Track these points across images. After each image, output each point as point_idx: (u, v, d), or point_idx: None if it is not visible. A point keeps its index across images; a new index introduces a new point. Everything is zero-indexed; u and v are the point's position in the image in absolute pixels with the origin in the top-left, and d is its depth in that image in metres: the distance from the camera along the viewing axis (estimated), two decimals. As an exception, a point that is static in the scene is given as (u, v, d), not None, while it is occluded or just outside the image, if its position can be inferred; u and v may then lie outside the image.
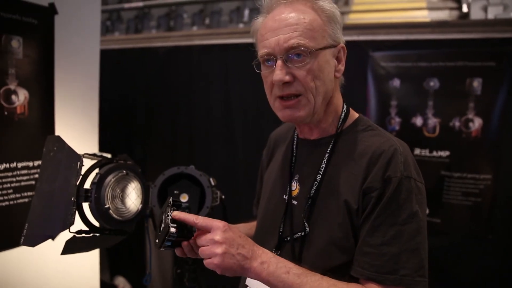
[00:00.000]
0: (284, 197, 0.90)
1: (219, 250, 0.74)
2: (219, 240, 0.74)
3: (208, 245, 0.76)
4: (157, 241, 0.82)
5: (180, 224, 0.78)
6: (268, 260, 0.76)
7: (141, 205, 1.22)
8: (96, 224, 1.15)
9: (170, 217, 0.79)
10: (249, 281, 0.93)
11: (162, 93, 2.28)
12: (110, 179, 1.15)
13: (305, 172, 0.90)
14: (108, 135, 2.12)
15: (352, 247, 0.80)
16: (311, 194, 0.86)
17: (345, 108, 0.92)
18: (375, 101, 1.87)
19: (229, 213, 1.25)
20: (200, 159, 2.13)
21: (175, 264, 1.42)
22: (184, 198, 1.29)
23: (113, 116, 2.24)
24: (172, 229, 0.77)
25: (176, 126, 2.27)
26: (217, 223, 0.76)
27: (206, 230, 0.77)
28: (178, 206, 0.84)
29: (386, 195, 0.77)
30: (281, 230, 0.88)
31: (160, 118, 2.29)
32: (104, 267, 2.09)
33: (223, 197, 1.33)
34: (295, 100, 0.86)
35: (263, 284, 0.81)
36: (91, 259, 1.79)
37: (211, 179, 1.27)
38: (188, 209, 0.85)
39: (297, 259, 0.83)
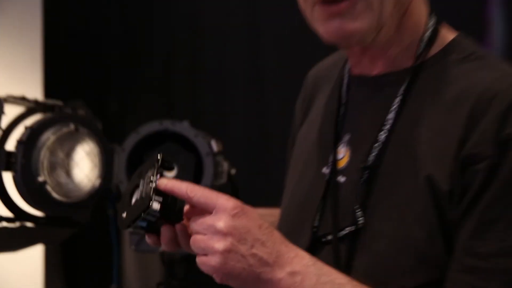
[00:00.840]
0: (324, 170, 0.87)
1: (220, 245, 0.70)
2: (223, 229, 0.69)
3: (205, 234, 0.71)
4: (124, 215, 0.76)
5: (166, 198, 0.73)
6: (303, 269, 0.72)
7: (99, 180, 1.13)
8: (27, 208, 1.08)
9: (154, 185, 0.73)
10: None
11: (152, 14, 2.25)
12: (48, 137, 1.06)
13: (360, 130, 0.84)
14: (62, 75, 2.10)
15: (440, 255, 0.70)
16: (369, 164, 0.81)
17: (431, 22, 0.83)
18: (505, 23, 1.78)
19: (243, 198, 1.14)
20: (205, 113, 2.04)
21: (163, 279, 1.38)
22: (169, 171, 1.22)
23: (69, 48, 2.21)
24: (156, 205, 0.71)
25: (172, 64, 2.22)
26: (224, 201, 0.71)
27: (204, 210, 0.72)
28: (168, 168, 0.77)
29: (505, 169, 0.69)
30: (315, 224, 0.84)
31: (149, 53, 2.22)
32: (53, 282, 2.06)
33: (233, 172, 1.24)
34: (347, 2, 0.77)
35: None
36: (30, 268, 1.75)
37: (213, 143, 1.17)
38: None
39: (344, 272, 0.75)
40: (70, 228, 1.19)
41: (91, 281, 2.22)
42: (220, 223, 0.70)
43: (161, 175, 0.75)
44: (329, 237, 0.82)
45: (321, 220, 0.85)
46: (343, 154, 0.87)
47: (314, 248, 0.83)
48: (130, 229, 0.76)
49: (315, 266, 0.73)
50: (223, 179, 1.22)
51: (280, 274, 0.71)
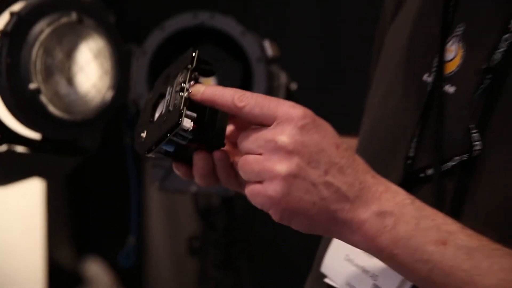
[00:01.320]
0: (425, 78, 0.81)
1: (283, 166, 0.63)
2: (287, 145, 0.63)
3: (261, 152, 0.64)
4: (144, 135, 0.69)
5: (202, 113, 0.66)
6: (396, 209, 0.65)
7: (111, 92, 1.03)
8: (17, 127, 0.98)
9: (187, 94, 0.66)
10: (329, 264, 0.79)
11: None
12: (42, 28, 0.95)
13: (481, 18, 0.80)
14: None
15: None
16: (494, 65, 0.76)
17: None
18: None
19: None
20: (256, 7, 1.85)
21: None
22: (206, 83, 1.16)
23: None
24: (187, 122, 0.65)
25: None
26: (289, 108, 0.64)
27: (261, 122, 0.65)
28: (206, 72, 0.70)
29: None
30: (411, 155, 0.78)
31: None
32: (58, 240, 2.04)
33: (294, 87, 1.14)
34: None
35: (368, 266, 0.72)
36: (28, 220, 1.77)
37: (266, 45, 1.06)
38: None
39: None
40: (74, 157, 1.08)
41: (104, 231, 2.16)
42: (283, 137, 0.63)
43: (196, 81, 0.67)
44: (430, 171, 0.76)
45: (419, 148, 0.78)
46: (453, 53, 0.80)
47: (408, 186, 0.75)
48: (151, 155, 0.69)
49: (414, 205, 0.66)
50: (280, 96, 1.11)
51: (364, 213, 0.64)
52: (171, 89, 0.68)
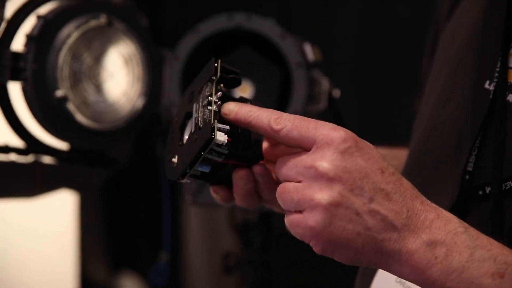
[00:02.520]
0: (487, 86, 0.78)
1: (324, 195, 0.62)
2: (328, 172, 0.62)
3: (300, 179, 0.64)
4: (175, 160, 0.67)
5: (234, 126, 0.65)
6: (449, 238, 0.63)
7: (142, 100, 1.02)
8: (44, 136, 0.96)
9: (216, 107, 0.65)
10: (379, 286, 0.80)
11: None
12: (70, 32, 0.94)
13: None
14: None
15: None
16: None
17: None
18: None
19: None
20: (298, 8, 1.80)
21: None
22: (243, 91, 1.12)
23: None
24: (221, 136, 0.64)
25: None
26: (329, 131, 0.64)
27: (299, 146, 0.65)
28: (231, 83, 0.68)
29: None
30: (469, 169, 0.76)
31: None
32: (92, 255, 2.05)
33: (337, 94, 1.11)
34: None
35: None
36: (60, 235, 1.77)
37: (307, 49, 1.03)
38: (250, 101, 0.68)
39: (508, 241, 0.67)
40: (104, 169, 1.05)
41: (139, 246, 2.16)
42: (323, 163, 0.62)
43: (223, 94, 0.65)
44: (489, 189, 0.74)
45: (478, 163, 0.76)
46: None
47: (465, 204, 0.75)
48: (186, 180, 0.67)
49: (467, 233, 0.64)
50: (322, 104, 1.10)
51: (413, 243, 0.63)
52: (197, 106, 0.66)
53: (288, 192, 0.63)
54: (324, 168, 0.61)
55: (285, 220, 0.64)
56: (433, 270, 0.62)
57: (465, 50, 0.84)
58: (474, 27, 0.85)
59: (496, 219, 0.73)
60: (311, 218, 0.62)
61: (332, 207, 0.61)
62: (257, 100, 1.06)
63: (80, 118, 0.95)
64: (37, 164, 0.98)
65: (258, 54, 1.05)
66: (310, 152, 0.63)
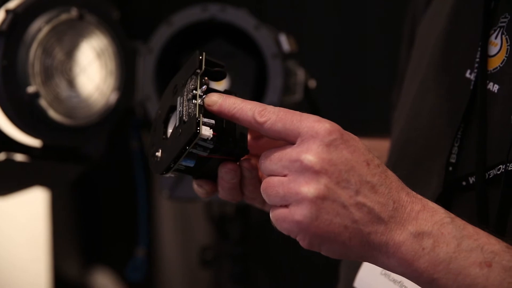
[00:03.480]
0: (469, 75, 0.79)
1: (310, 188, 0.61)
2: (314, 165, 0.61)
3: (285, 173, 0.63)
4: (159, 154, 0.67)
5: (219, 120, 0.64)
6: (435, 229, 0.63)
7: (115, 95, 1.00)
8: (16, 134, 0.95)
9: (200, 101, 0.64)
10: (364, 279, 0.78)
11: None
12: (40, 26, 0.92)
13: None
14: None
15: None
16: None
17: None
18: None
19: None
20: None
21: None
22: (218, 83, 1.12)
23: None
24: (206, 130, 0.63)
25: None
26: (314, 123, 0.63)
27: (284, 139, 0.64)
28: (216, 76, 0.68)
29: None
30: (452, 160, 0.76)
31: None
32: (64, 251, 2.01)
33: (313, 84, 1.11)
34: None
35: (407, 281, 0.68)
36: (31, 231, 1.75)
37: (282, 39, 1.03)
38: (235, 94, 0.68)
39: (494, 230, 0.67)
40: (77, 165, 1.04)
41: (113, 241, 2.13)
42: (308, 156, 0.60)
43: (208, 88, 0.64)
44: (473, 179, 0.73)
45: (461, 154, 0.76)
46: (498, 47, 0.77)
47: (449, 195, 0.75)
48: (170, 174, 0.66)
49: (454, 224, 0.63)
50: (298, 94, 1.10)
51: (400, 235, 0.62)
52: (181, 99, 0.65)
53: (273, 186, 0.62)
54: (310, 161, 0.60)
55: (271, 215, 0.63)
56: (420, 262, 0.62)
57: (445, 40, 0.83)
58: (453, 16, 0.84)
59: (481, 208, 0.72)
60: (298, 212, 0.61)
61: (319, 201, 0.60)
62: (233, 91, 1.06)
63: (52, 114, 0.94)
64: (9, 161, 0.96)
65: (233, 46, 1.05)
66: (295, 145, 0.62)
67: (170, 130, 0.66)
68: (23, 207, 1.67)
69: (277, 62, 0.99)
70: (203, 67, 0.64)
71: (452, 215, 0.64)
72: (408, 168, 0.79)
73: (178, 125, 0.64)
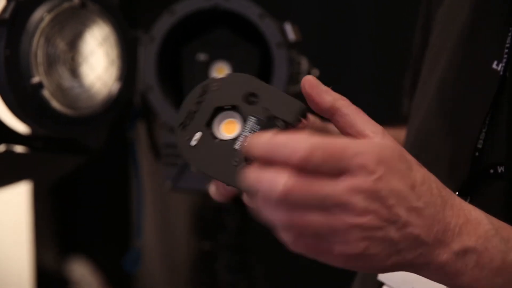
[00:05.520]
0: (496, 66, 0.76)
1: (358, 232, 0.55)
2: (363, 207, 0.54)
3: (323, 211, 0.54)
4: (196, 139, 0.62)
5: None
6: (479, 244, 0.60)
7: (118, 85, 0.99)
8: (15, 124, 0.95)
9: (240, 142, 0.60)
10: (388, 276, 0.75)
11: None
12: (42, 15, 0.91)
13: None
14: None
15: None
16: None
17: None
18: None
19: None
20: None
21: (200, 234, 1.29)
22: (220, 72, 1.10)
23: None
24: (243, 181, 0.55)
25: None
26: (362, 156, 0.54)
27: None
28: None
29: None
30: (479, 146, 0.73)
31: None
32: (45, 242, 2.00)
33: (316, 74, 1.08)
34: None
35: None
36: (13, 223, 1.76)
37: (287, 28, 1.01)
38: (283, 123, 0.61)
39: None
40: (77, 156, 1.03)
41: (93, 232, 2.11)
42: (357, 199, 0.53)
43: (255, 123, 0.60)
44: (501, 168, 0.71)
45: (488, 141, 0.73)
46: None
47: (475, 183, 0.73)
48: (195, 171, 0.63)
49: (499, 236, 0.60)
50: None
51: (444, 255, 0.59)
52: (252, 122, 0.60)
53: (312, 225, 0.54)
54: (359, 204, 0.54)
55: (297, 246, 0.56)
56: (463, 278, 0.60)
57: (469, 29, 0.81)
58: (477, 3, 0.81)
59: (509, 199, 0.70)
60: (343, 249, 0.56)
61: (366, 240, 0.55)
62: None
63: (55, 104, 0.92)
64: (9, 153, 0.95)
65: (236, 34, 1.04)
66: (337, 181, 0.54)
67: (223, 130, 0.63)
68: (5, 198, 1.65)
69: (282, 51, 0.98)
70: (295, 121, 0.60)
71: (496, 225, 0.61)
72: (433, 153, 0.78)
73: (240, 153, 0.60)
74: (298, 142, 0.52)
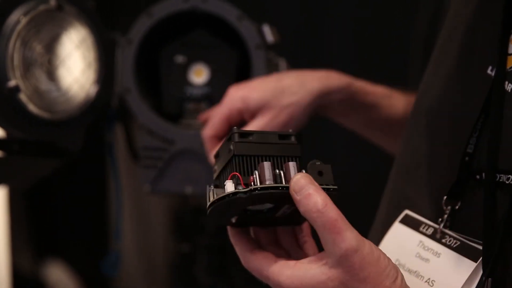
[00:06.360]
0: (490, 72, 0.76)
1: None
2: None
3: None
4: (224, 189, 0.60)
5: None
6: None
7: (95, 88, 0.98)
8: None
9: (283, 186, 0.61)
10: None
11: None
12: (18, 18, 0.90)
13: None
14: None
15: None
16: None
17: None
18: None
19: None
20: None
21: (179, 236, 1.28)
22: (198, 74, 1.10)
23: None
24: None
25: None
26: (349, 250, 0.60)
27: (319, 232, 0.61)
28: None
29: None
30: (469, 151, 0.74)
31: None
32: (20, 245, 1.98)
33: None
34: None
35: (422, 271, 0.71)
36: None
37: (265, 30, 1.02)
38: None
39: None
40: (53, 160, 1.02)
41: (70, 234, 2.09)
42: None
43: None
44: (480, 176, 0.71)
45: (478, 146, 0.73)
46: None
47: (462, 188, 0.73)
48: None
49: None
50: None
51: None
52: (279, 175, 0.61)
53: None
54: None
55: None
56: None
57: (469, 34, 0.81)
58: (480, 8, 0.81)
59: (488, 209, 0.70)
60: None
61: None
62: (214, 84, 1.05)
63: (32, 108, 0.91)
64: (-16, 157, 0.94)
65: (213, 36, 1.04)
66: (324, 262, 0.60)
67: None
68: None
69: (261, 53, 0.99)
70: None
71: None
72: (428, 152, 0.79)
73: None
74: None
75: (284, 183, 0.59)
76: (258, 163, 0.60)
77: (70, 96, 0.97)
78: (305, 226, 0.70)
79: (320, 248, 0.62)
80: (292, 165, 0.60)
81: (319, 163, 0.62)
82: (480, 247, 0.68)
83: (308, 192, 0.59)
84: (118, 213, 1.15)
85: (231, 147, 0.61)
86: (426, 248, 0.74)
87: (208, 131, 0.88)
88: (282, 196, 0.59)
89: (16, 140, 0.95)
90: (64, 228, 2.16)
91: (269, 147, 0.62)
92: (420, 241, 0.74)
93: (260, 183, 0.58)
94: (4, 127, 0.91)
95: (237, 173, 0.59)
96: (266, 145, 0.62)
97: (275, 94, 0.88)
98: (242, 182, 0.59)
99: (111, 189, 1.85)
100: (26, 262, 2.10)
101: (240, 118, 0.87)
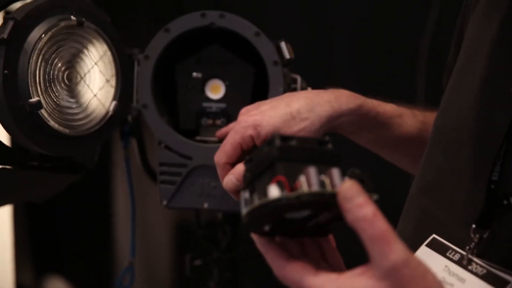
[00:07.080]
0: None
1: None
2: None
3: None
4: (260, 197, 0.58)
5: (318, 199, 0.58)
6: None
7: (114, 104, 0.98)
8: (12, 143, 0.95)
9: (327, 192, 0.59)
10: None
11: None
12: (40, 34, 0.89)
13: None
14: None
15: None
16: None
17: None
18: None
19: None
20: (268, 7, 1.72)
21: (191, 250, 1.27)
22: (215, 90, 1.09)
23: None
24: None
25: None
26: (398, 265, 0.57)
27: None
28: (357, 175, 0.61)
29: None
30: (494, 178, 0.73)
31: None
32: (23, 260, 1.99)
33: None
34: None
35: None
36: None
37: (283, 47, 1.00)
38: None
39: None
40: (71, 174, 1.02)
41: (70, 250, 2.08)
42: None
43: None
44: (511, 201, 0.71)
45: (504, 172, 0.73)
46: None
47: (491, 215, 0.72)
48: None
49: None
50: None
51: None
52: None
53: None
54: None
55: None
56: None
57: (496, 51, 0.79)
58: (505, 27, 0.79)
59: None
60: None
61: None
62: (230, 99, 1.05)
63: (53, 124, 0.91)
64: (3, 171, 0.93)
65: (230, 52, 1.04)
66: (371, 275, 0.58)
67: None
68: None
69: (278, 69, 0.98)
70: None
71: None
72: (451, 184, 0.77)
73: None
74: None
75: (329, 189, 0.57)
76: (301, 168, 0.57)
77: (90, 112, 0.97)
78: (331, 238, 0.68)
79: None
80: (336, 171, 0.58)
81: (358, 171, 0.60)
82: (506, 276, 0.67)
83: (360, 201, 0.56)
84: (133, 229, 1.15)
85: (274, 151, 0.58)
86: (451, 274, 0.73)
87: (222, 159, 0.87)
88: (327, 203, 0.57)
89: (35, 156, 0.95)
90: (66, 243, 2.16)
91: (310, 152, 0.60)
92: (446, 266, 0.73)
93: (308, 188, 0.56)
94: (24, 143, 0.90)
95: (284, 177, 0.57)
96: (307, 151, 0.60)
97: (286, 120, 0.88)
98: (288, 187, 0.56)
99: (113, 205, 1.85)
100: (28, 278, 2.10)
101: (252, 144, 0.88)
